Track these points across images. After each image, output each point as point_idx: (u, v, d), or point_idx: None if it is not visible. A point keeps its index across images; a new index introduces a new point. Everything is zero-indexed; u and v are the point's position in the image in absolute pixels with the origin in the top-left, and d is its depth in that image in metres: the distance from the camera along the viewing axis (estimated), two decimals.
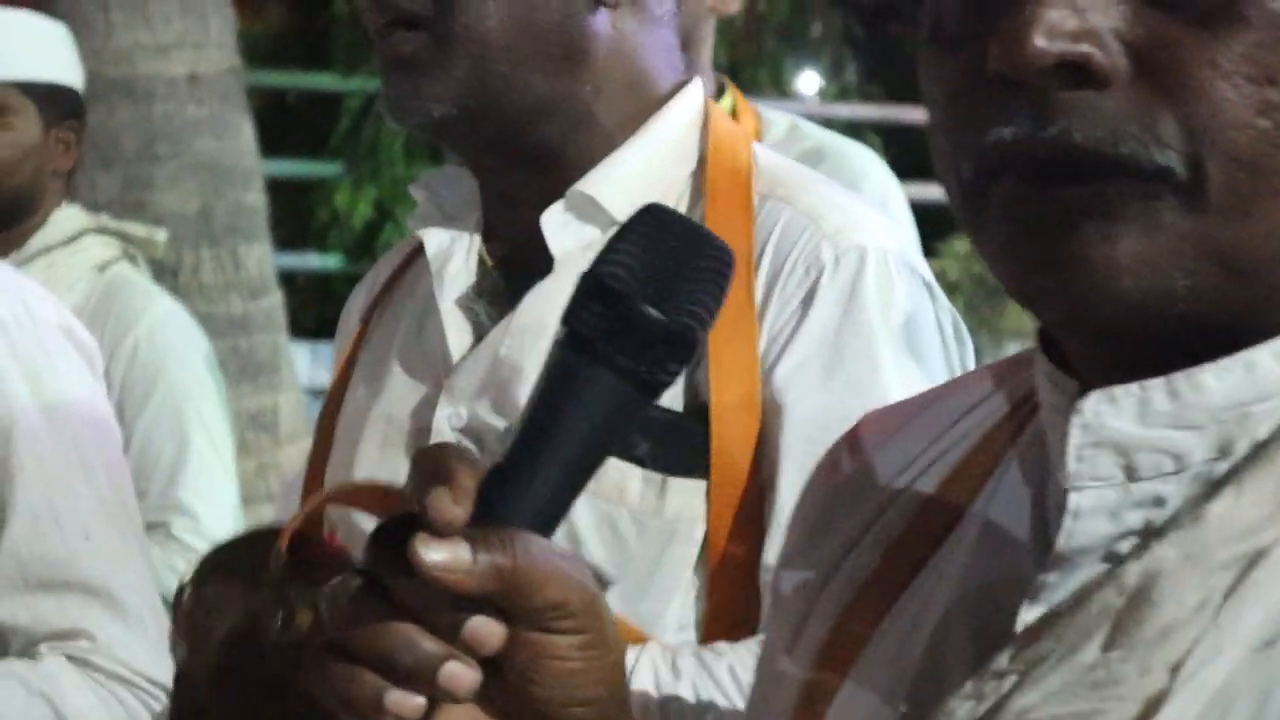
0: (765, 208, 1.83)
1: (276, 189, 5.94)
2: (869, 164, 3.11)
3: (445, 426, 1.83)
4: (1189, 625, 0.83)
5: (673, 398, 1.75)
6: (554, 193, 1.83)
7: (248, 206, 5.18)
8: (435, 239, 1.90)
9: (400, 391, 1.90)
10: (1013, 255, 0.87)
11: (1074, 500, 0.89)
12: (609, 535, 1.76)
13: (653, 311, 0.90)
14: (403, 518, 0.90)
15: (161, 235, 3.44)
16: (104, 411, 2.14)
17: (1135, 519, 0.88)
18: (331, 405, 1.99)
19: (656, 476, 1.76)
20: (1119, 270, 0.84)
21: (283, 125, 10.10)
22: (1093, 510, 0.89)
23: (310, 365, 8.16)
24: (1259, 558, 0.84)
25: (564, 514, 0.92)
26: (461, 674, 0.88)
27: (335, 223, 10.31)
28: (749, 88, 3.21)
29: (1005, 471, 0.99)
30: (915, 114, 10.92)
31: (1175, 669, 0.83)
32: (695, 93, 1.91)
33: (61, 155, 3.22)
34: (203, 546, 1.85)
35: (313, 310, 9.56)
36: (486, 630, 0.89)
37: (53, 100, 3.21)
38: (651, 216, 0.93)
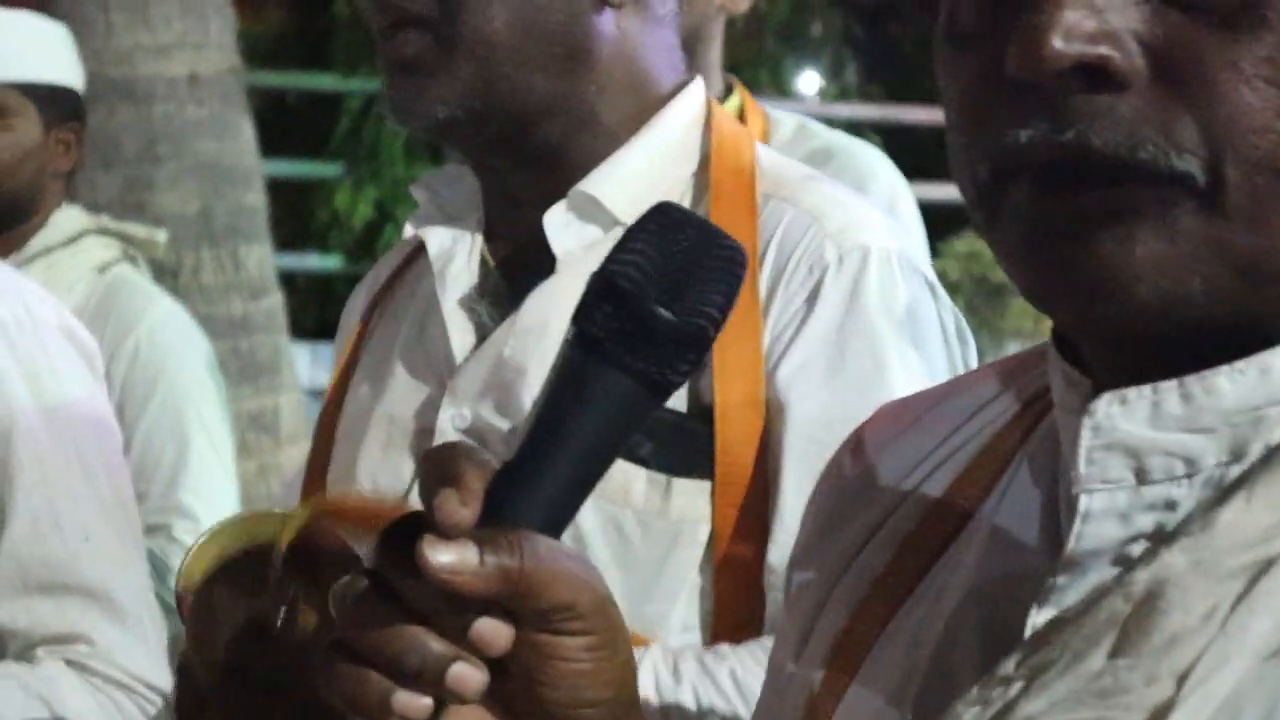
0: (768, 207, 1.83)
1: (277, 190, 5.94)
2: (877, 164, 3.11)
3: (449, 427, 1.82)
4: (1196, 634, 0.83)
5: (677, 398, 1.75)
6: (556, 193, 1.83)
7: (248, 207, 5.18)
8: (437, 239, 1.90)
9: (403, 392, 1.89)
10: (1028, 258, 0.87)
11: (1084, 502, 0.88)
12: (614, 536, 1.76)
13: (664, 312, 0.89)
14: (411, 518, 0.89)
15: (162, 236, 3.44)
16: (104, 413, 2.14)
17: (1146, 522, 0.88)
18: (331, 406, 1.99)
19: (661, 477, 1.75)
20: (1135, 275, 0.84)
21: (283, 126, 10.11)
22: (1103, 513, 0.88)
23: (311, 366, 8.17)
24: (1268, 566, 0.83)
25: (573, 515, 0.92)
26: (469, 675, 0.88)
27: (335, 223, 10.33)
28: (749, 88, 3.20)
29: (1015, 472, 0.98)
30: (915, 114, 10.93)
31: (1182, 678, 0.82)
32: (696, 92, 1.91)
33: (62, 156, 3.22)
34: None
35: (313, 311, 9.57)
36: (494, 631, 0.88)
37: (53, 101, 3.21)
38: (663, 215, 0.92)
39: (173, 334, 3.20)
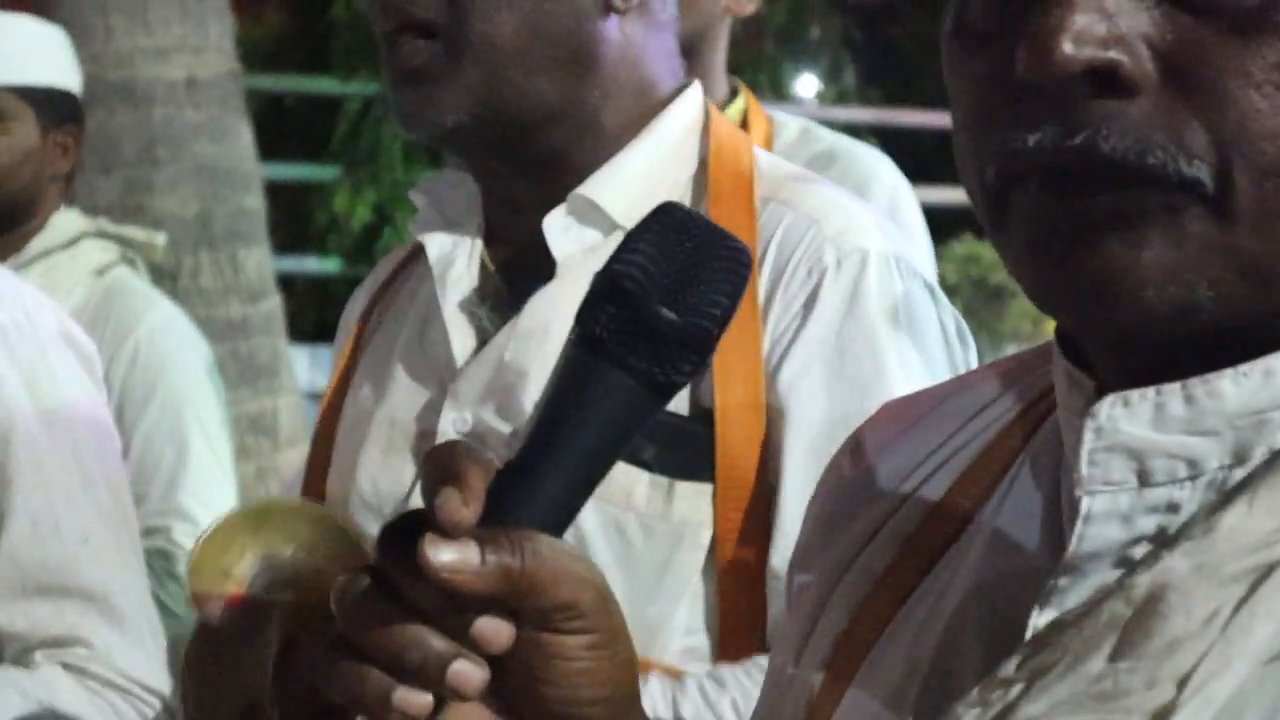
0: (767, 211, 1.83)
1: (275, 192, 5.94)
2: (880, 167, 3.10)
3: (450, 431, 1.83)
4: (1197, 638, 0.83)
5: (678, 402, 1.75)
6: (556, 197, 1.83)
7: (247, 210, 5.18)
8: (437, 244, 1.90)
9: (404, 396, 1.89)
10: (1034, 261, 0.86)
11: (1086, 504, 0.88)
12: (616, 539, 1.76)
13: (667, 312, 0.89)
14: (412, 516, 0.89)
15: (161, 239, 3.44)
16: (103, 417, 2.14)
17: (1148, 524, 0.87)
18: (331, 409, 1.99)
19: (663, 480, 1.75)
20: (1143, 280, 0.83)
21: (281, 129, 10.11)
22: (1105, 515, 0.88)
23: (309, 369, 8.17)
24: (1270, 571, 0.83)
25: (574, 514, 0.91)
26: (469, 673, 0.88)
27: (334, 226, 10.32)
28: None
29: (1017, 473, 0.98)
30: (913, 117, 10.93)
31: (1183, 682, 0.82)
32: (695, 96, 1.91)
33: (60, 159, 3.22)
34: None
35: (312, 314, 9.57)
36: (494, 630, 0.88)
37: (51, 104, 3.20)
38: (667, 215, 0.92)
39: (172, 337, 3.20)
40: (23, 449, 2.02)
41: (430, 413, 1.86)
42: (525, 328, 1.82)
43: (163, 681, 2.05)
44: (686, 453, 1.75)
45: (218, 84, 5.14)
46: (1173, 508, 0.87)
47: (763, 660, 1.71)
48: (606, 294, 0.90)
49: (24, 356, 2.05)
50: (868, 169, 3.07)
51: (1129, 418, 0.87)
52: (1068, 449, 0.91)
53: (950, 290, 6.16)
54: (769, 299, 1.79)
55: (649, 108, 1.87)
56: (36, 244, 3.18)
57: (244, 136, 5.22)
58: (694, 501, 1.75)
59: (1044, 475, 0.96)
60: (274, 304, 5.24)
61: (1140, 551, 0.87)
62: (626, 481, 1.75)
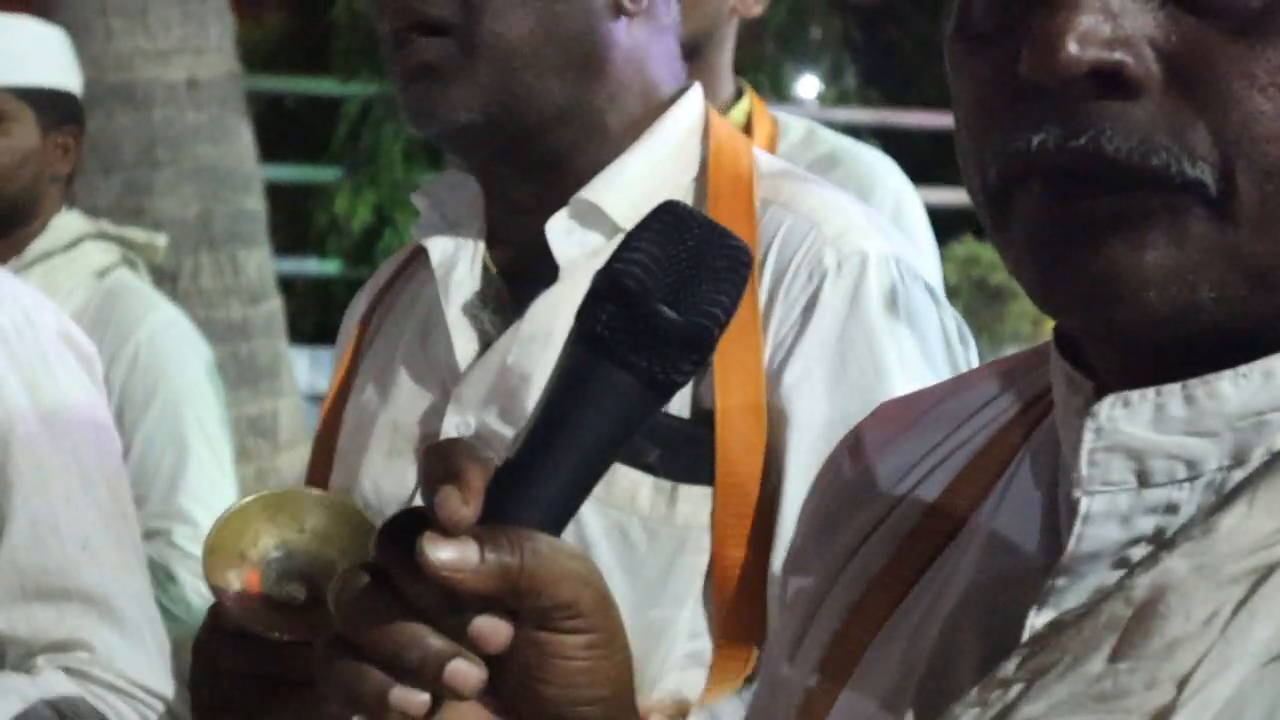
0: (767, 213, 1.83)
1: (276, 194, 5.94)
2: (883, 170, 3.10)
3: (453, 435, 1.82)
4: (1197, 639, 0.83)
5: (680, 405, 1.75)
6: (559, 200, 1.83)
7: (247, 212, 5.18)
8: (439, 247, 1.90)
9: (406, 399, 1.89)
10: (1037, 262, 0.86)
11: (1085, 504, 0.88)
12: (619, 542, 1.76)
13: (668, 311, 0.89)
14: (411, 514, 0.89)
15: (162, 241, 3.43)
16: (103, 419, 2.13)
17: (1147, 525, 0.87)
18: (332, 411, 1.99)
19: (667, 484, 1.75)
20: (1145, 282, 0.83)
21: (282, 130, 10.11)
22: (1104, 515, 0.88)
23: (310, 370, 8.17)
24: (1270, 572, 0.83)
25: (573, 513, 0.92)
26: (466, 672, 0.88)
27: (334, 228, 10.32)
28: None
29: (1015, 473, 0.98)
30: (913, 118, 10.94)
31: (1182, 682, 0.82)
32: (695, 99, 1.91)
33: (60, 160, 3.21)
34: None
35: (312, 315, 9.57)
36: (493, 629, 0.88)
37: (51, 105, 3.20)
38: (669, 214, 0.92)
39: (172, 339, 3.20)
40: (22, 451, 2.02)
41: (433, 416, 1.86)
42: (528, 331, 1.82)
43: (165, 684, 2.04)
44: (690, 456, 1.75)
45: (218, 85, 5.14)
46: (1171, 509, 0.87)
47: None
48: (607, 292, 0.90)
49: (24, 358, 2.05)
50: (872, 172, 3.06)
51: (1129, 418, 0.87)
52: (1065, 449, 0.91)
53: (951, 291, 6.16)
54: (770, 302, 1.79)
55: (651, 110, 1.87)
56: (37, 246, 3.18)
57: (244, 138, 5.22)
58: (697, 505, 1.75)
59: (1042, 475, 0.96)
60: (274, 306, 5.24)
61: (1138, 552, 0.87)
62: (630, 485, 1.75)
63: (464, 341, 1.86)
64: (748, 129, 2.98)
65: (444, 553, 0.87)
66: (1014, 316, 9.30)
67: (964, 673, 0.92)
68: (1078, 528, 0.88)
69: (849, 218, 1.83)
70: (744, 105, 3.05)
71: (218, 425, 3.23)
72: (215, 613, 1.59)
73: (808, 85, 12.35)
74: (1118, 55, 0.83)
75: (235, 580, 1.55)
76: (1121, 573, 0.86)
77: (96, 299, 3.17)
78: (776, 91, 11.21)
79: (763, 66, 11.05)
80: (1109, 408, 0.87)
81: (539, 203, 1.84)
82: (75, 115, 3.26)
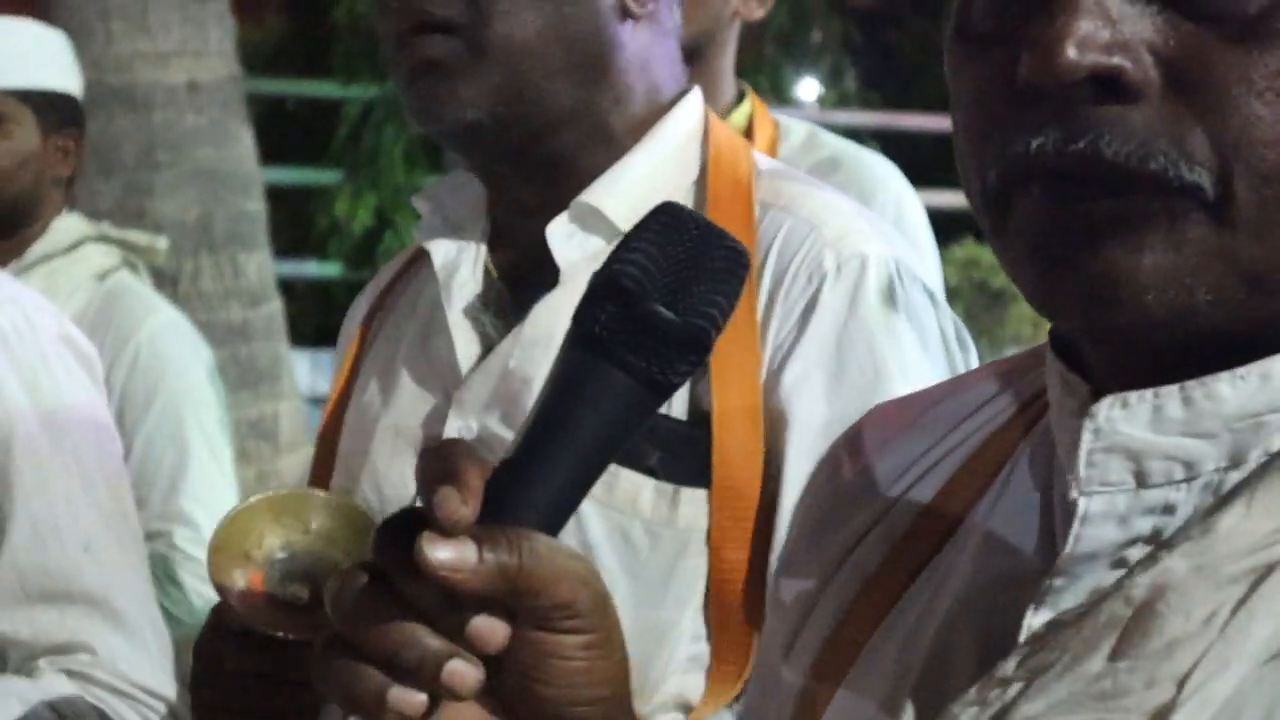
0: (767, 216, 1.83)
1: (276, 196, 5.94)
2: (885, 174, 3.09)
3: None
4: (1196, 638, 0.83)
5: (679, 407, 1.75)
6: (562, 203, 1.83)
7: (248, 214, 5.18)
8: (441, 250, 1.90)
9: (408, 403, 1.89)
10: (1034, 265, 0.87)
11: (1083, 505, 0.88)
12: (621, 545, 1.76)
13: (666, 311, 0.89)
14: (409, 514, 0.90)
15: (162, 243, 3.43)
16: (104, 421, 2.14)
17: (1145, 526, 0.88)
18: (334, 414, 1.99)
19: (668, 487, 1.75)
20: (1143, 285, 0.84)
21: (282, 133, 10.11)
22: (1102, 515, 0.88)
23: (310, 373, 8.17)
24: (1269, 572, 0.83)
25: (571, 513, 0.92)
26: (464, 672, 0.88)
27: (335, 230, 10.32)
28: None
29: (1012, 473, 0.99)
30: (914, 121, 10.93)
31: (1182, 681, 0.82)
32: (695, 102, 1.91)
33: (60, 163, 3.21)
34: (204, 555, 1.84)
35: (313, 318, 9.56)
36: (490, 629, 0.88)
37: (51, 108, 3.20)
38: (667, 215, 0.92)
39: (173, 341, 3.20)
40: (23, 452, 2.02)
41: (435, 420, 1.86)
42: (529, 335, 1.82)
43: (167, 686, 2.04)
44: (690, 459, 1.75)
45: (218, 88, 5.14)
46: (1169, 509, 0.87)
47: None
48: (605, 293, 0.90)
49: (24, 360, 2.05)
50: (873, 176, 3.06)
51: (1127, 419, 0.87)
52: (1061, 450, 0.91)
53: (951, 294, 6.16)
54: (769, 305, 1.79)
55: (653, 113, 1.87)
56: (37, 248, 3.18)
57: (245, 140, 5.22)
58: (699, 508, 1.75)
59: (1040, 474, 0.96)
60: (275, 308, 5.25)
61: (1136, 553, 0.87)
62: (632, 488, 1.75)
63: (465, 344, 1.86)
64: (749, 132, 2.98)
65: (442, 552, 0.87)
66: (1014, 319, 9.30)
67: (961, 673, 0.92)
68: (1076, 528, 0.89)
69: (849, 221, 1.83)
70: (745, 108, 3.05)
71: (218, 427, 3.23)
72: (218, 612, 1.59)
73: (808, 88, 12.35)
74: (1116, 60, 0.83)
75: (240, 579, 1.55)
76: (1119, 573, 0.86)
77: (97, 301, 3.17)
78: (776, 94, 11.21)
79: (763, 69, 11.04)
80: (1107, 409, 0.88)
81: (542, 204, 1.84)
82: (76, 118, 3.26)
